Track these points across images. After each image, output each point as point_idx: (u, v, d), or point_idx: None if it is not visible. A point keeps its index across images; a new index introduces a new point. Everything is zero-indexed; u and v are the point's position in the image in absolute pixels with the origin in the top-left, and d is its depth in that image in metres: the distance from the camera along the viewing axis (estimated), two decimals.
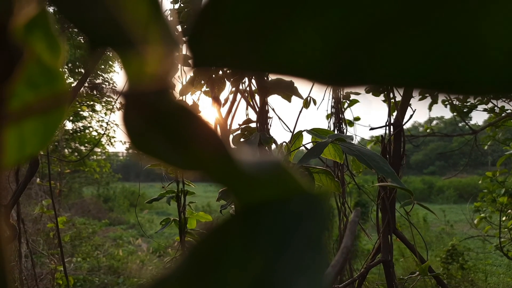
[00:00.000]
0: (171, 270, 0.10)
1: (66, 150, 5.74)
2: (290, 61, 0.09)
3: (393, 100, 1.17)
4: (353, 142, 0.65)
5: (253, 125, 1.00)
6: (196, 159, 0.11)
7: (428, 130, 2.17)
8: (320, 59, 0.09)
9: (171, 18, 1.11)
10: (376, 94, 1.29)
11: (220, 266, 0.10)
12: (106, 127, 5.70)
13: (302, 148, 0.77)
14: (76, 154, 5.99)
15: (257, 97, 1.01)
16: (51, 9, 0.13)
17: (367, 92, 1.22)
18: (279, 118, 1.06)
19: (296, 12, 0.09)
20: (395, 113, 1.13)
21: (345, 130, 1.39)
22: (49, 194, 1.23)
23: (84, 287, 3.64)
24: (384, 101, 1.28)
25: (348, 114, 2.35)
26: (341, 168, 1.29)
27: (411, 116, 1.11)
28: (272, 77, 0.95)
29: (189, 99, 1.11)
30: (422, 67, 0.09)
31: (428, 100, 1.74)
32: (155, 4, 0.11)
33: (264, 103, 0.99)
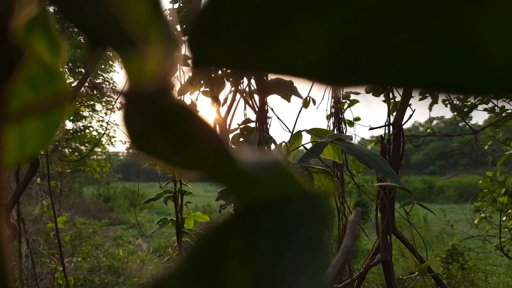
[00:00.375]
0: (171, 270, 0.10)
1: (66, 150, 5.74)
2: (290, 61, 0.09)
3: (393, 100, 1.17)
4: (353, 142, 0.64)
5: (252, 125, 1.00)
6: (196, 158, 0.11)
7: (428, 130, 2.17)
8: (320, 59, 0.09)
9: (171, 18, 1.11)
10: (376, 94, 1.29)
11: (220, 266, 0.10)
12: (106, 127, 5.70)
13: (302, 148, 0.77)
14: (76, 154, 6.00)
15: (256, 97, 1.01)
16: (51, 9, 0.13)
17: (367, 92, 1.22)
18: (278, 118, 1.06)
19: (297, 12, 0.09)
20: (395, 113, 1.13)
21: (344, 130, 1.39)
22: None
23: (84, 287, 3.64)
24: (384, 101, 1.28)
25: (348, 114, 2.35)
26: (341, 168, 1.29)
27: (410, 116, 1.11)
28: (271, 76, 0.95)
29: (187, 99, 1.11)
30: (422, 67, 0.09)
31: (429, 100, 1.74)
32: (155, 4, 0.11)
33: (263, 102, 0.99)
